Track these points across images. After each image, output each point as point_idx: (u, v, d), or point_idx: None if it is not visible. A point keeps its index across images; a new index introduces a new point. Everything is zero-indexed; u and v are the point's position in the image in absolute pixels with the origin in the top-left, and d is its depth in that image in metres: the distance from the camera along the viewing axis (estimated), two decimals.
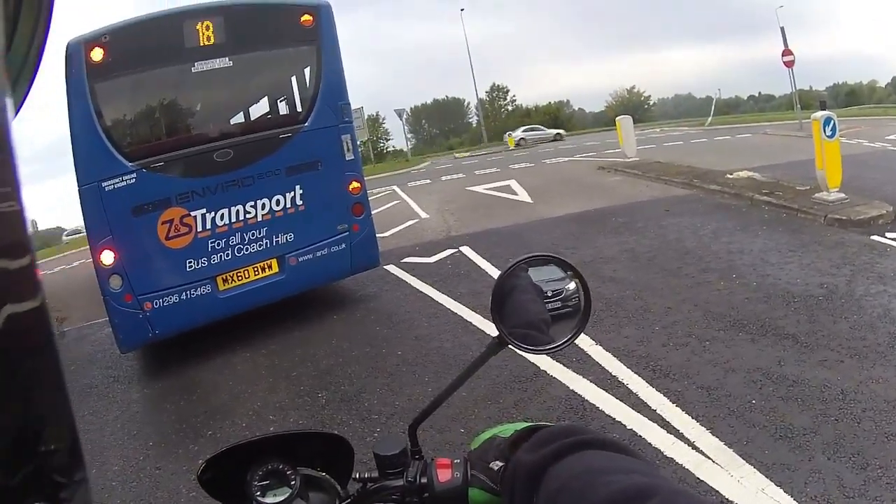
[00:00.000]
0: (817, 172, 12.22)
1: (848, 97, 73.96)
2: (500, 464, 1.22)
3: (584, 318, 1.40)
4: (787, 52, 28.63)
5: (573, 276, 1.43)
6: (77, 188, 8.32)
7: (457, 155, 55.80)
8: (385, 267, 11.45)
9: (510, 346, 1.36)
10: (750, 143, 27.01)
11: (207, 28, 8.63)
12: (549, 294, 1.43)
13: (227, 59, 8.80)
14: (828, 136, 11.74)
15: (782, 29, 29.38)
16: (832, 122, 11.82)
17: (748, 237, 10.70)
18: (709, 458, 4.85)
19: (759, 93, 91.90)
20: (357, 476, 1.51)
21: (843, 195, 11.89)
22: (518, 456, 1.09)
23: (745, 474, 4.58)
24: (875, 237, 9.96)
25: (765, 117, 46.73)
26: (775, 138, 27.66)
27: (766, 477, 4.49)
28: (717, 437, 5.08)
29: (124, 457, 6.81)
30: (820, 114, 12.10)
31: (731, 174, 15.94)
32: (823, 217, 11.15)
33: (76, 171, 8.28)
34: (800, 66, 28.86)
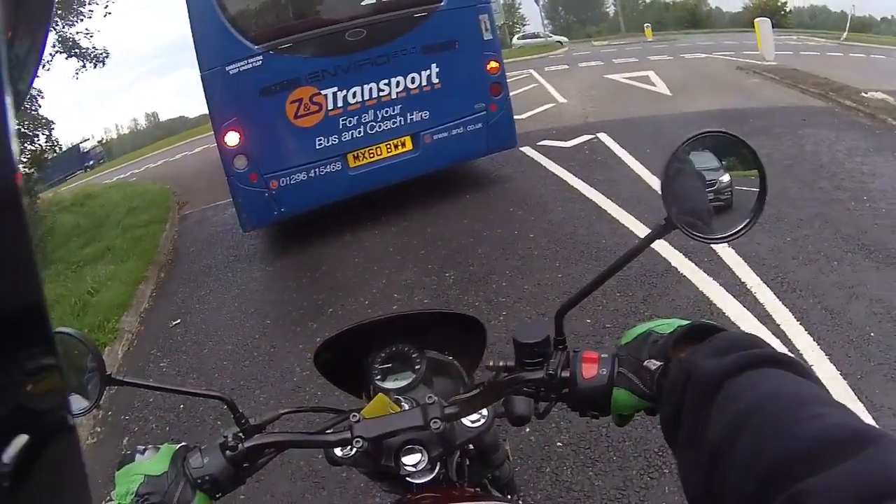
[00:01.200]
0: None
1: None
2: (658, 363, 1.08)
3: (757, 211, 1.20)
4: None
5: (730, 167, 1.22)
6: (200, 74, 8.20)
7: (595, 43, 54.21)
8: (521, 149, 11.14)
9: (679, 229, 1.17)
10: (885, 65, 25.32)
11: None
12: (714, 182, 1.24)
13: None
14: None
15: None
16: None
17: (881, 160, 9.85)
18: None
19: (893, 16, 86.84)
20: (491, 364, 1.34)
21: None
22: (690, 359, 0.93)
23: (854, 410, 4.16)
24: None
25: None
26: None
27: (874, 419, 4.08)
28: (833, 364, 4.68)
29: (240, 335, 6.86)
30: None
31: (867, 93, 14.87)
32: None
33: (198, 57, 8.17)
34: None
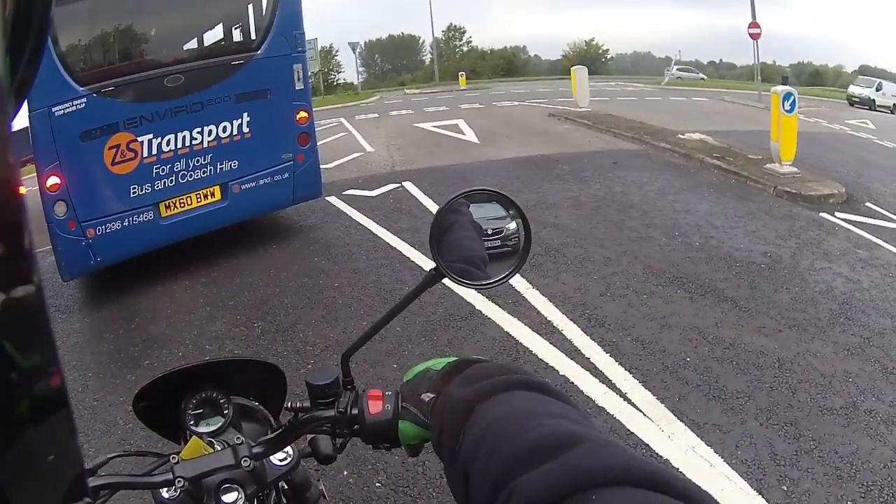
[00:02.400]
0: (772, 144, 12.41)
1: (811, 77, 75.27)
2: (431, 396, 1.23)
3: (522, 258, 1.40)
4: (754, 24, 29.04)
5: (515, 216, 1.42)
6: (27, 113, 8.02)
7: (407, 91, 55.38)
8: (327, 198, 11.38)
9: (447, 278, 1.36)
10: (706, 108, 27.31)
11: None
12: (490, 232, 1.45)
13: None
14: (786, 111, 11.92)
15: (752, 1, 29.70)
16: (792, 97, 12.01)
17: (694, 198, 10.79)
18: (640, 411, 4.86)
19: (721, 60, 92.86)
20: (289, 406, 1.51)
21: (795, 169, 12.07)
22: (448, 390, 1.11)
23: (675, 431, 4.60)
24: (824, 215, 10.13)
25: (724, 84, 47.28)
26: (732, 106, 28.00)
27: (697, 436, 4.52)
28: (649, 391, 5.10)
29: None
30: (781, 88, 12.32)
31: (683, 134, 16.04)
32: (773, 188, 11.28)
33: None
34: (765, 39, 29.36)
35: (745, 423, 4.66)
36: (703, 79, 57.70)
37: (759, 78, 31.61)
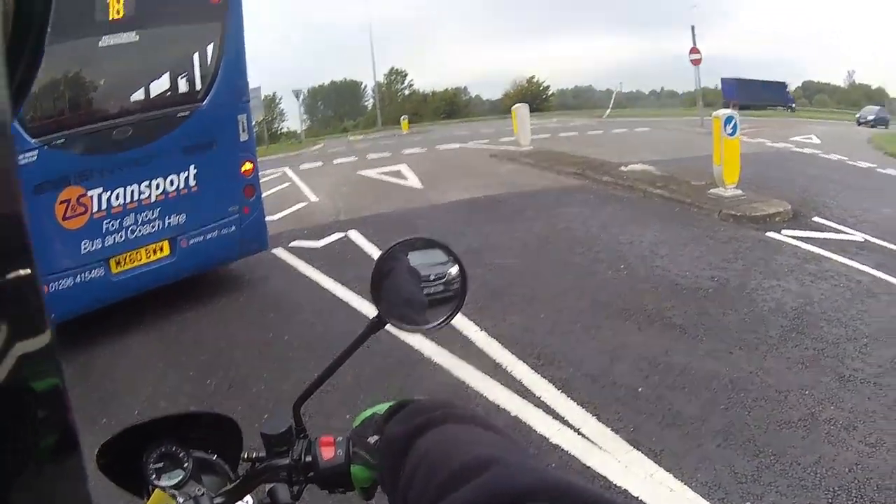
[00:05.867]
0: (714, 168, 12.68)
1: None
2: (376, 438, 1.31)
3: (460, 300, 1.49)
4: (694, 50, 29.77)
5: (454, 261, 1.52)
6: None
7: (350, 138, 56.55)
8: (273, 251, 11.45)
9: (389, 324, 1.46)
10: (648, 138, 27.89)
11: (118, 1, 8.47)
12: (432, 277, 1.53)
13: (133, 33, 8.68)
14: (728, 134, 12.19)
15: (692, 28, 30.45)
16: (733, 120, 12.30)
17: (639, 228, 10.98)
18: (595, 444, 4.92)
19: (662, 88, 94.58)
20: (245, 457, 1.58)
21: (739, 192, 12.34)
22: (388, 430, 1.19)
23: (632, 460, 4.67)
24: (771, 234, 10.42)
25: (665, 112, 48.16)
26: (675, 133, 28.59)
27: (655, 463, 4.59)
28: (603, 423, 5.17)
29: None
30: (722, 112, 12.60)
31: (626, 167, 16.32)
32: (718, 212, 11.52)
33: None
34: (707, 63, 30.01)
35: (701, 446, 4.75)
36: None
37: (702, 103, 32.25)
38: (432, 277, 1.53)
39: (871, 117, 51.90)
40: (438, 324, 1.48)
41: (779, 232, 10.48)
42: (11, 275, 0.48)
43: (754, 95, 63.61)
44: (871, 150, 26.57)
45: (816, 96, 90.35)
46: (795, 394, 5.47)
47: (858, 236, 10.48)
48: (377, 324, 1.48)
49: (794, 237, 10.24)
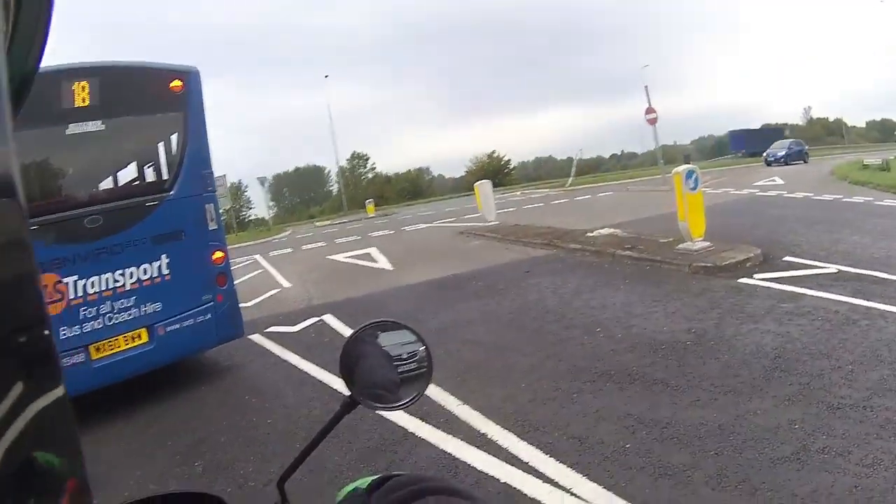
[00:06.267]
0: (680, 224, 12.79)
1: (714, 149, 78.78)
2: None
3: (427, 377, 1.54)
4: (650, 109, 30.30)
5: (420, 339, 1.58)
6: None
7: (317, 223, 57.82)
8: (250, 337, 11.49)
9: (360, 404, 1.50)
10: (612, 201, 28.22)
11: (83, 89, 8.68)
12: (404, 356, 1.57)
13: (99, 122, 8.86)
14: (690, 189, 12.32)
15: (646, 88, 30.98)
16: (694, 174, 12.44)
17: (610, 291, 11.04)
18: (588, 503, 4.84)
19: (623, 151, 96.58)
20: None
21: (707, 243, 12.42)
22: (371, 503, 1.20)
23: None
24: (743, 280, 10.51)
25: (627, 174, 49.01)
26: (638, 194, 28.98)
27: None
28: (594, 482, 5.08)
29: None
30: (682, 168, 12.75)
31: (592, 232, 16.48)
32: (688, 266, 11.60)
33: None
34: (665, 122, 30.71)
35: (696, 493, 4.67)
36: None
37: (662, 161, 32.66)
38: (404, 356, 1.56)
39: (781, 153, 51.46)
40: (409, 401, 1.51)
41: (751, 277, 10.59)
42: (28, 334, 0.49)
43: (759, 143, 66.30)
44: (836, 181, 27.11)
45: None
46: (785, 429, 5.43)
47: (832, 268, 10.63)
48: (350, 405, 1.50)
49: (766, 279, 10.33)
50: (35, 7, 0.74)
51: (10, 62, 0.66)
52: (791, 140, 57.59)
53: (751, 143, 71.41)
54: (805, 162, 49.24)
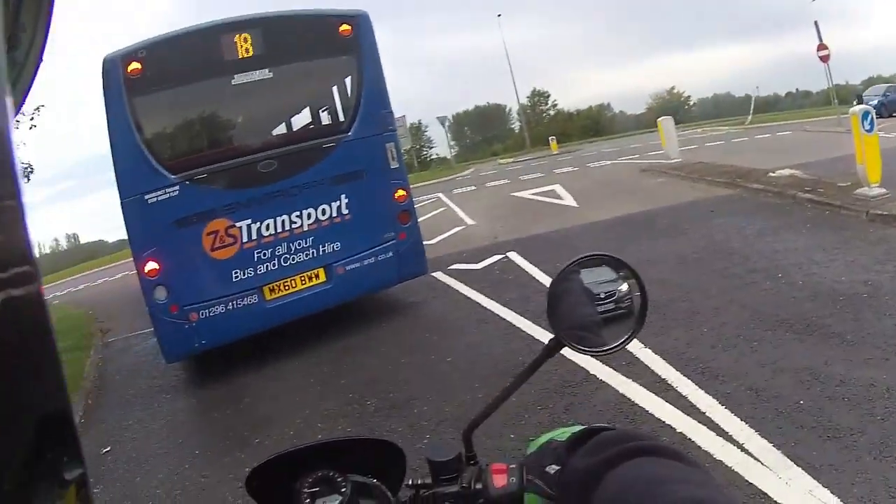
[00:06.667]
0: (858, 167, 11.99)
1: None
2: (557, 468, 1.17)
3: (640, 320, 1.39)
4: (821, 46, 28.12)
5: (627, 277, 1.41)
6: (119, 201, 8.36)
7: (500, 161, 55.59)
8: (433, 274, 11.44)
9: (567, 347, 1.34)
10: (790, 141, 26.68)
11: (245, 41, 8.69)
12: (602, 296, 1.41)
13: (266, 70, 8.83)
14: (866, 130, 11.54)
15: (816, 23, 28.89)
16: (870, 115, 11.63)
17: (792, 236, 10.54)
18: (758, 460, 4.77)
19: (797, 89, 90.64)
20: (410, 482, 1.49)
21: (884, 190, 11.66)
22: (574, 460, 1.08)
23: (793, 476, 4.50)
24: None
25: (803, 114, 45.69)
26: (815, 135, 27.20)
27: (814, 479, 4.41)
28: (765, 438, 5.00)
29: (170, 465, 6.89)
30: (858, 108, 11.91)
31: (774, 173, 15.68)
32: (866, 213, 10.93)
33: (118, 185, 8.33)
34: (837, 59, 28.39)
35: (859, 460, 4.51)
36: None
37: (836, 101, 30.65)
38: (602, 295, 1.41)
39: (873, 101, 32.45)
40: (617, 345, 1.37)
41: None
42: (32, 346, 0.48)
43: None
44: None
45: None
46: None
47: None
48: (554, 347, 1.36)
49: None
50: (35, 7, 0.73)
51: (10, 62, 0.64)
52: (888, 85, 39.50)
53: None
54: None
